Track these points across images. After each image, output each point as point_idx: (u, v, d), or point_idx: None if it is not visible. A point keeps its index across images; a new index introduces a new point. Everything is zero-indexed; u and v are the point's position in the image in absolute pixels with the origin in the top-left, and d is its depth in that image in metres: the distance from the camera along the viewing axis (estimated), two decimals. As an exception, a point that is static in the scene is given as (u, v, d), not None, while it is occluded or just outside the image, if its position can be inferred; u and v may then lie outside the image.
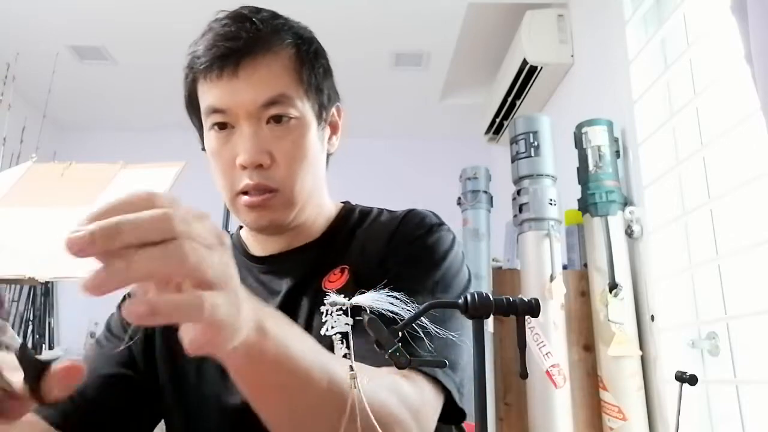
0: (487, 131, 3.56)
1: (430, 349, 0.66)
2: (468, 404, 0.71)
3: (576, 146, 2.01)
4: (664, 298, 1.80)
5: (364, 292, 0.47)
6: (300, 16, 0.83)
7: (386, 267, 0.77)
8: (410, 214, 0.85)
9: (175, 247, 0.35)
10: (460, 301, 0.45)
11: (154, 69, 3.38)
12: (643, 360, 1.80)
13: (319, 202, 0.85)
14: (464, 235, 2.20)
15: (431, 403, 0.66)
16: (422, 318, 0.46)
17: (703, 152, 1.71)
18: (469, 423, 0.73)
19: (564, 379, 1.74)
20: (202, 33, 0.78)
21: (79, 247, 0.33)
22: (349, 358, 0.46)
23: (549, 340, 1.74)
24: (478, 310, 0.45)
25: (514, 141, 1.97)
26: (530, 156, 1.91)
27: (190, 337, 0.38)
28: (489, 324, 1.87)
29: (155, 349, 0.82)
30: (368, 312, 0.45)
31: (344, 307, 0.66)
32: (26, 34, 3.09)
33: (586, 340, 1.89)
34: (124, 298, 0.78)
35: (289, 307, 0.78)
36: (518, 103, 3.06)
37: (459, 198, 2.28)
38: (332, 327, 0.74)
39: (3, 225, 0.74)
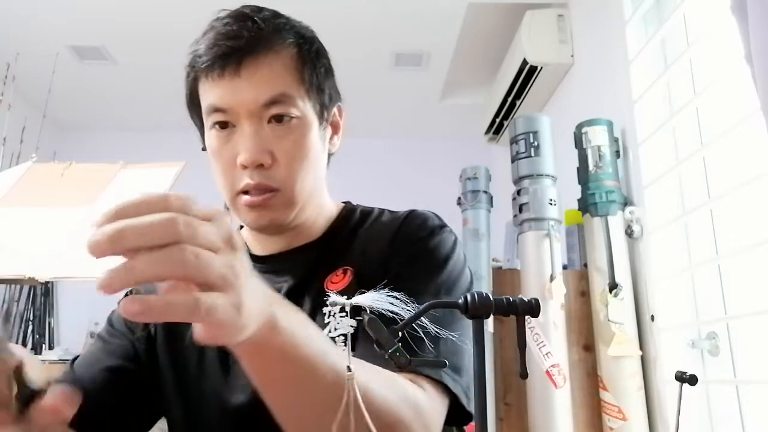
0: (487, 131, 3.56)
1: (431, 350, 0.65)
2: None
3: (576, 146, 2.01)
4: (664, 298, 1.80)
5: (365, 293, 0.47)
6: (300, 16, 0.83)
7: (388, 267, 0.77)
8: (412, 214, 0.85)
9: (176, 251, 0.37)
10: (460, 301, 0.45)
11: (154, 69, 3.38)
12: (643, 360, 1.80)
13: (319, 202, 0.85)
14: (464, 235, 2.19)
15: (437, 405, 0.66)
16: (428, 322, 0.47)
17: (703, 152, 1.71)
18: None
19: (564, 379, 1.74)
20: (204, 32, 0.78)
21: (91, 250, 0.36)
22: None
23: (549, 340, 1.74)
24: (478, 310, 0.45)
25: (514, 141, 1.97)
26: (530, 156, 1.91)
27: (197, 331, 0.40)
28: (489, 324, 1.87)
29: (156, 339, 0.82)
30: (368, 312, 0.45)
31: (345, 308, 0.66)
32: (26, 34, 3.09)
33: (586, 340, 1.89)
34: (126, 295, 0.78)
35: None
36: (518, 103, 3.06)
37: (459, 198, 2.28)
38: (335, 329, 0.74)
39: (3, 225, 0.73)
